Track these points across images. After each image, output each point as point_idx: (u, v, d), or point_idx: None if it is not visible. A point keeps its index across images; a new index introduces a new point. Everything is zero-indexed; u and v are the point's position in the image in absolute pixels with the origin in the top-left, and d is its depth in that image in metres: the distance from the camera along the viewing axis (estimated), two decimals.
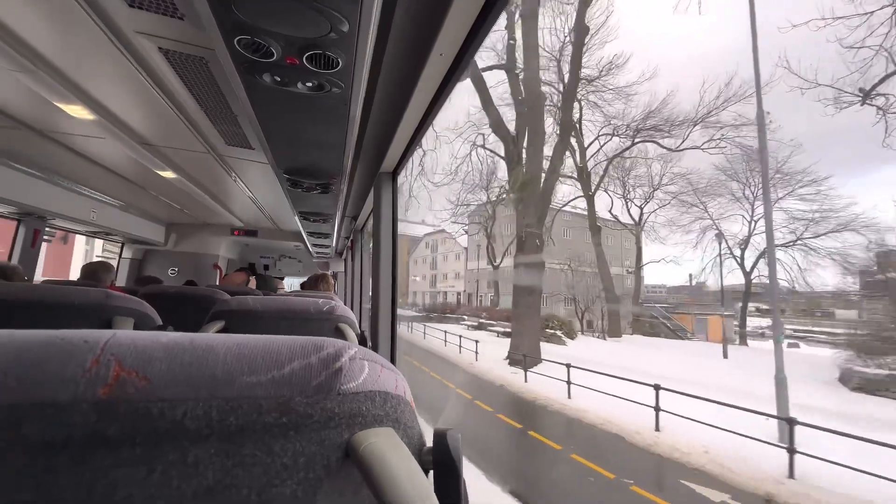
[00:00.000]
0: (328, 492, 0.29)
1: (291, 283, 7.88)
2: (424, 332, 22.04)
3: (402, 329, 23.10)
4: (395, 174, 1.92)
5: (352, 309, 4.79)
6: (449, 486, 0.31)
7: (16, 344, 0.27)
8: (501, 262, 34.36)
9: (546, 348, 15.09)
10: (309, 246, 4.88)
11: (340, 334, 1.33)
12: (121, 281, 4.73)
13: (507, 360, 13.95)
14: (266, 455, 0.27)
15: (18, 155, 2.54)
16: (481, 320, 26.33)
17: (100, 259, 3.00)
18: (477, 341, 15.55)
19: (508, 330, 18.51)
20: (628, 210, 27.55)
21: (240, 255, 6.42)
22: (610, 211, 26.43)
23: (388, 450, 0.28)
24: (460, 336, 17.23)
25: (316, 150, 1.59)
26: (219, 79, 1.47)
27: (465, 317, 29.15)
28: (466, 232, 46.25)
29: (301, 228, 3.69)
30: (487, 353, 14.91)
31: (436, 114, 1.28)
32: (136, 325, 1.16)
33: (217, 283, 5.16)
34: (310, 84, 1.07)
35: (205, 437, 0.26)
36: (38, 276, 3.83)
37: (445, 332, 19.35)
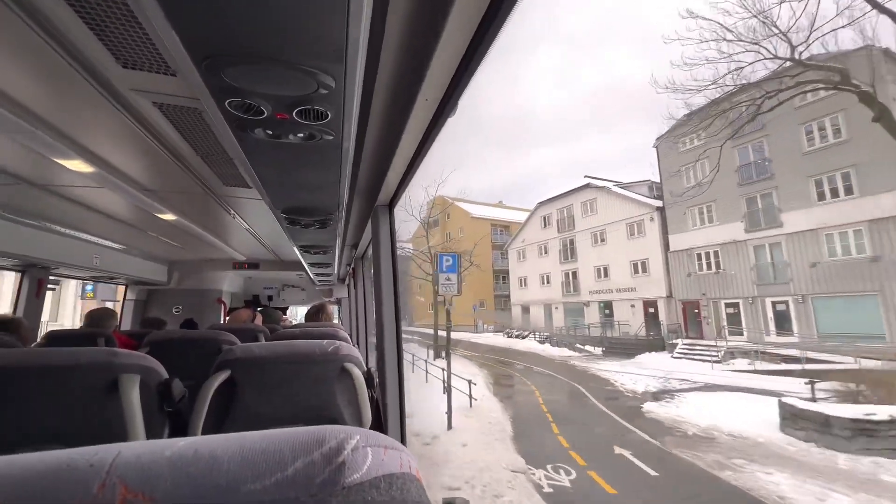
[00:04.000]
0: None
1: (296, 311, 7.87)
2: None
3: None
4: (391, 206, 1.93)
5: (356, 335, 4.77)
6: None
7: (18, 472, 0.26)
8: None
9: None
10: (311, 275, 4.89)
11: (347, 374, 1.33)
12: (125, 324, 4.74)
13: None
14: None
15: (19, 209, 2.58)
16: None
17: (104, 306, 3.02)
18: None
19: None
20: None
21: (243, 288, 6.43)
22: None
23: None
24: None
25: (312, 191, 1.61)
26: (213, 126, 1.50)
27: None
28: (648, 192, 22.23)
29: (302, 259, 3.71)
30: None
31: (426, 151, 1.30)
32: (143, 381, 1.15)
33: (222, 319, 5.16)
34: (301, 135, 1.09)
35: None
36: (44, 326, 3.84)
37: None
